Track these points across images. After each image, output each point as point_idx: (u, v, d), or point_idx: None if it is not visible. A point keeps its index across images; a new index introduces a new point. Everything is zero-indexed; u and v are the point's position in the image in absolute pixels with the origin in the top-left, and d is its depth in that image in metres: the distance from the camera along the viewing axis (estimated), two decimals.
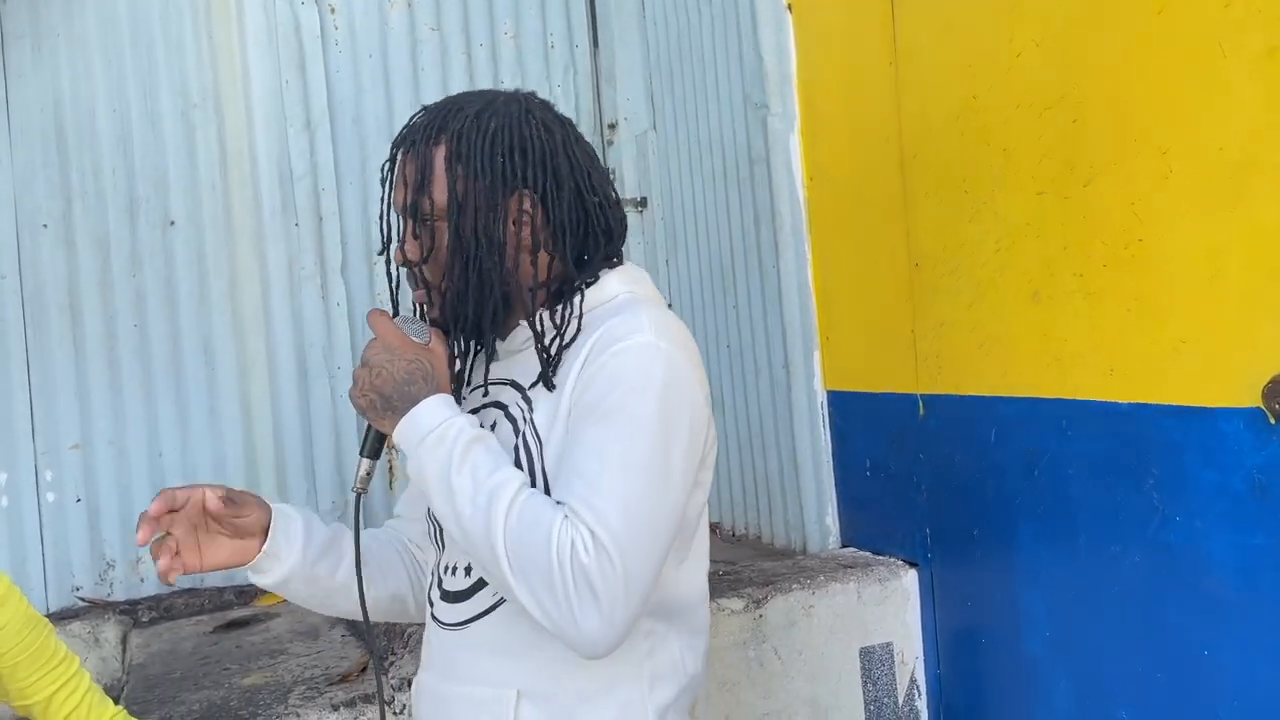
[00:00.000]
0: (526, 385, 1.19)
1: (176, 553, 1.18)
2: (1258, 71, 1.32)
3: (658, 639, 1.17)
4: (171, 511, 1.17)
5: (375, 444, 1.20)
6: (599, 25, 2.99)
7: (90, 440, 2.44)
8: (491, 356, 1.26)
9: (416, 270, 1.19)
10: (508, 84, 2.85)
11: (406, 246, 1.19)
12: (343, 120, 2.68)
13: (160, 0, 2.50)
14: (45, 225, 2.42)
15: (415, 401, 1.13)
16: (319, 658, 2.00)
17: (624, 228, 1.26)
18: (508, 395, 1.21)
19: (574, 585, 1.02)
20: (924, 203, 1.92)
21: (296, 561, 1.26)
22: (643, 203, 2.91)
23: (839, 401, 2.23)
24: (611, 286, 1.19)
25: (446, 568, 1.24)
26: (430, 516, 1.26)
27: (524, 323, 1.20)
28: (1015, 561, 1.76)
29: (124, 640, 2.36)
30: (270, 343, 2.56)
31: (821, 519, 2.27)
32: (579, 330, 1.16)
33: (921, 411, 1.97)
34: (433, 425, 1.11)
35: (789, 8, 2.26)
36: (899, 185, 1.97)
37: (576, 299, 1.17)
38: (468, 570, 1.19)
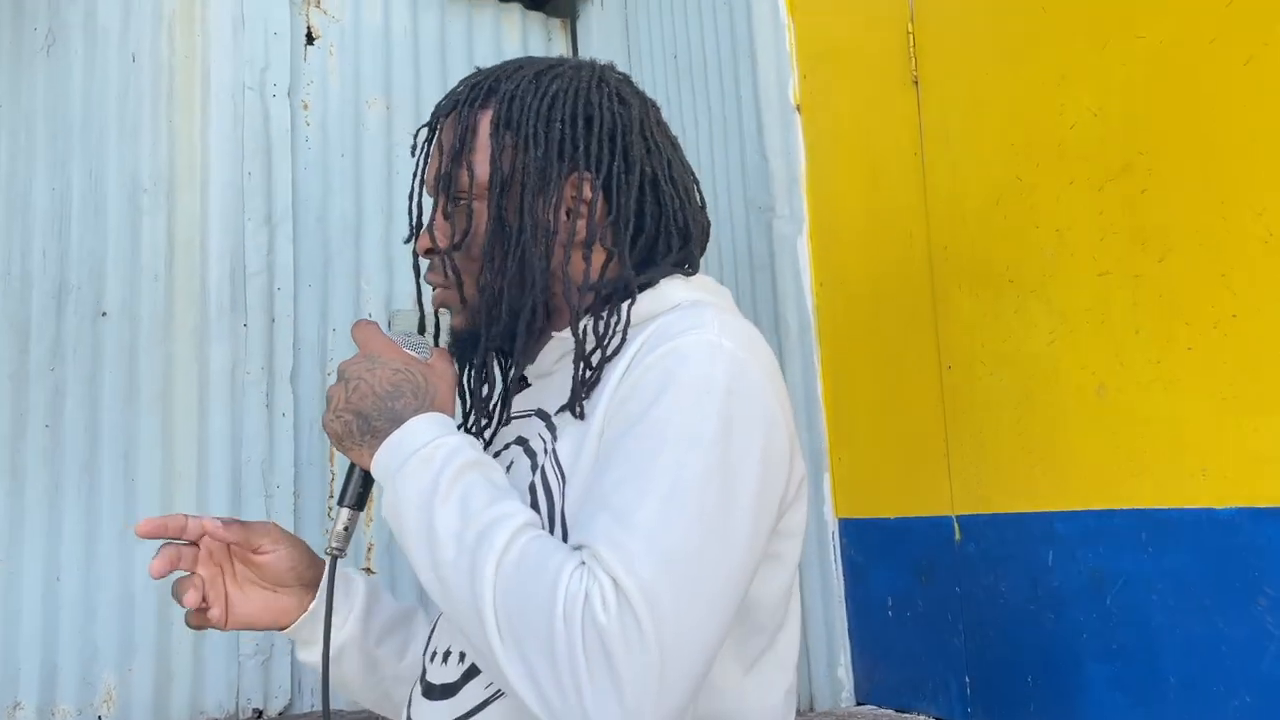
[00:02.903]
0: (553, 411, 0.92)
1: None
2: None
3: None
4: (189, 545, 0.95)
5: (358, 488, 0.91)
6: None
7: None
8: (516, 385, 0.99)
9: (444, 260, 0.94)
10: None
11: (435, 229, 0.94)
12: (306, 218, 2.47)
13: (119, 80, 2.31)
14: None
15: (400, 421, 0.86)
16: None
17: (705, 235, 1.00)
18: (531, 427, 0.94)
19: (584, 657, 0.71)
20: (957, 298, 1.72)
21: (355, 632, 1.00)
22: None
23: (853, 531, 1.96)
24: (674, 293, 0.92)
25: (433, 654, 0.94)
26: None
27: (557, 335, 0.94)
28: (1085, 713, 1.46)
29: None
30: (202, 454, 2.26)
31: (832, 670, 1.96)
32: (623, 342, 0.89)
33: (957, 536, 1.71)
34: (417, 445, 0.83)
35: (797, 108, 2.13)
36: (926, 282, 1.78)
37: (626, 305, 0.91)
38: (461, 656, 0.89)
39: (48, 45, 2.26)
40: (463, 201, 0.94)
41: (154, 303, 2.27)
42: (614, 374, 0.86)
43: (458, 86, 1.00)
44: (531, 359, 0.98)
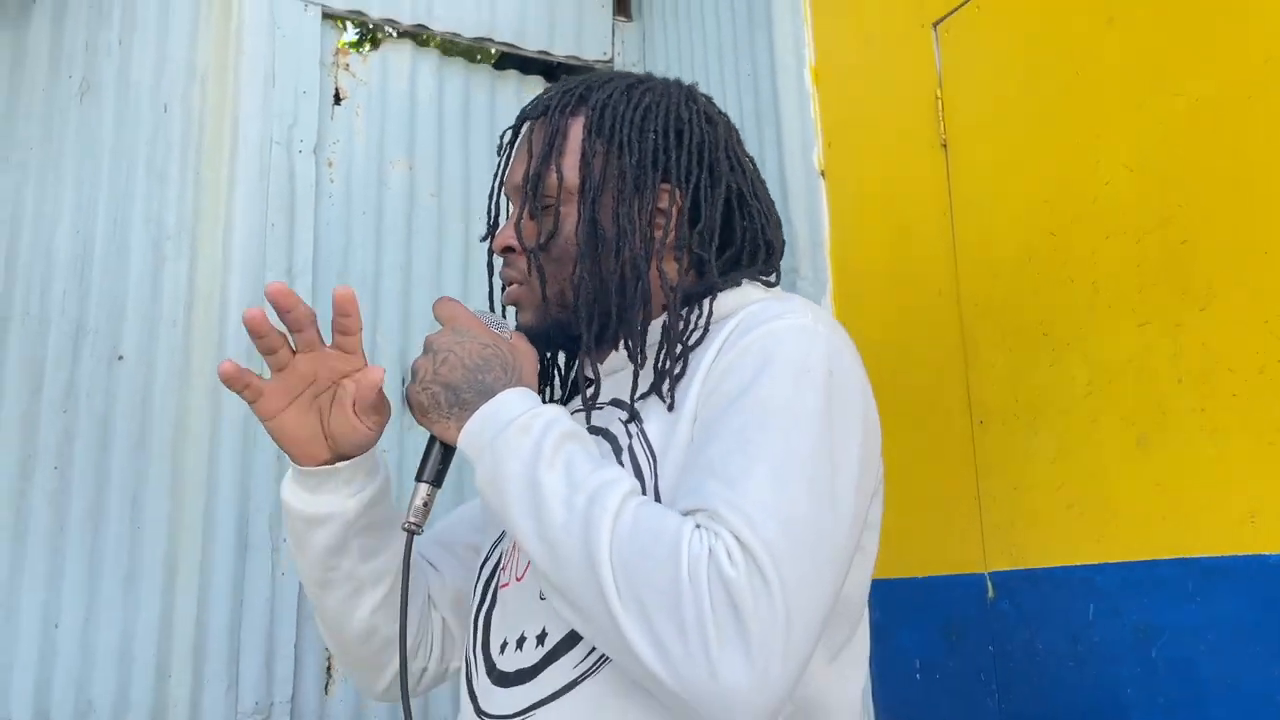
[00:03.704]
0: (632, 399, 0.93)
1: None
2: None
3: None
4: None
5: (439, 464, 0.91)
6: None
7: None
8: (582, 384, 1.00)
9: (531, 259, 0.95)
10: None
11: (523, 228, 0.96)
12: (326, 273, 2.48)
13: (150, 127, 2.34)
14: None
15: (491, 393, 0.86)
16: None
17: (782, 250, 1.04)
18: (607, 417, 0.94)
19: (712, 613, 0.70)
20: (989, 353, 1.73)
21: (351, 511, 0.99)
22: None
23: (877, 591, 1.92)
24: (751, 294, 0.96)
25: (502, 644, 0.91)
26: (478, 586, 0.95)
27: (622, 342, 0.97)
28: None
29: None
30: (210, 503, 2.21)
31: None
32: (705, 335, 0.91)
33: (990, 593, 1.69)
34: (513, 415, 0.83)
35: (822, 174, 2.17)
36: (956, 337, 1.79)
37: (708, 301, 0.93)
38: (539, 640, 0.87)
39: (81, 93, 2.29)
40: (550, 203, 0.96)
41: (171, 349, 2.25)
42: (702, 363, 0.88)
43: (546, 93, 1.03)
44: (602, 358, 1.00)
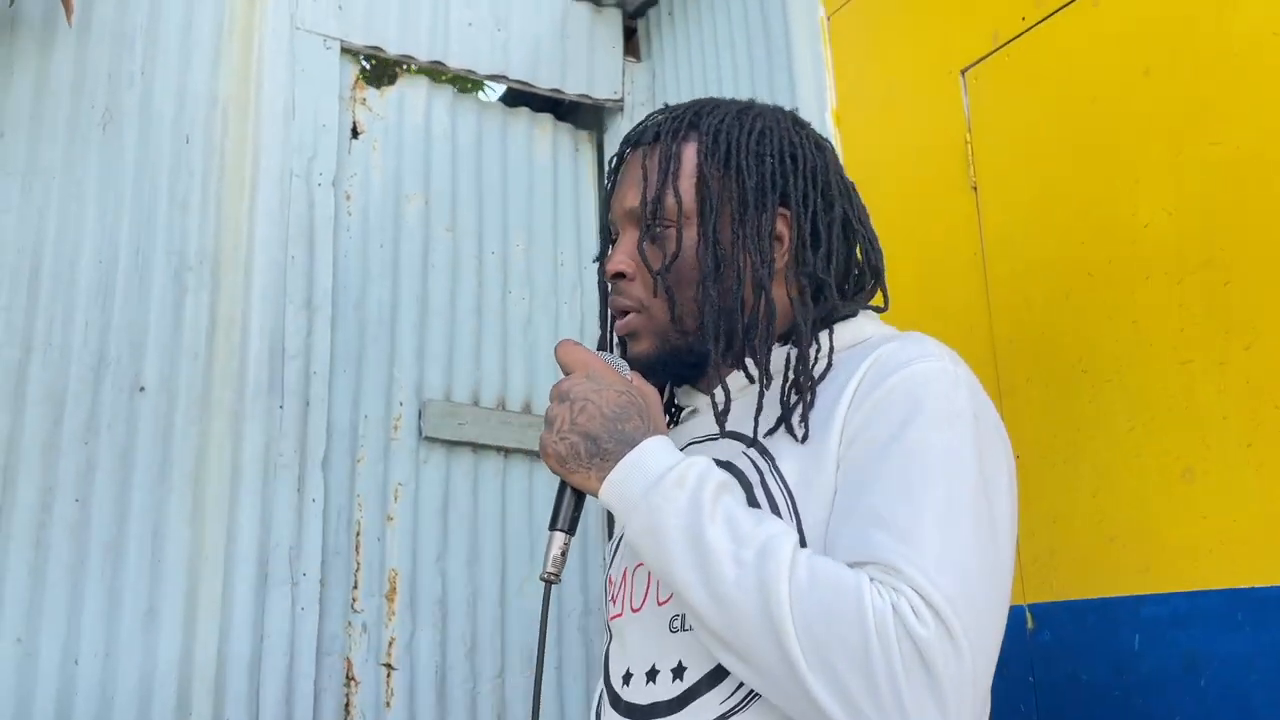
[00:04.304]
0: (755, 434, 0.93)
1: None
2: None
3: None
4: None
5: (570, 511, 0.91)
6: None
7: None
8: (686, 412, 1.01)
9: (658, 280, 0.96)
10: (515, 293, 2.72)
11: (645, 251, 0.97)
12: (344, 305, 2.48)
13: (171, 156, 2.33)
14: None
15: (632, 443, 0.87)
16: None
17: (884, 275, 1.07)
18: (725, 450, 0.95)
19: (902, 667, 0.73)
20: (1025, 390, 1.77)
21: None
22: None
23: None
24: (867, 327, 0.98)
25: (624, 675, 0.92)
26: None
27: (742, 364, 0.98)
28: None
29: None
30: (231, 536, 2.19)
31: None
32: (828, 368, 0.93)
33: (1030, 625, 1.72)
34: (665, 467, 0.84)
35: None
36: (991, 374, 1.83)
37: (825, 334, 0.95)
38: (677, 672, 0.87)
39: (104, 123, 2.28)
40: (670, 226, 0.97)
41: (192, 380, 2.24)
42: (836, 398, 0.89)
43: (650, 119, 1.05)
44: (709, 386, 1.00)
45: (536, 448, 2.63)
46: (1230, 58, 1.52)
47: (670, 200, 0.98)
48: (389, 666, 2.32)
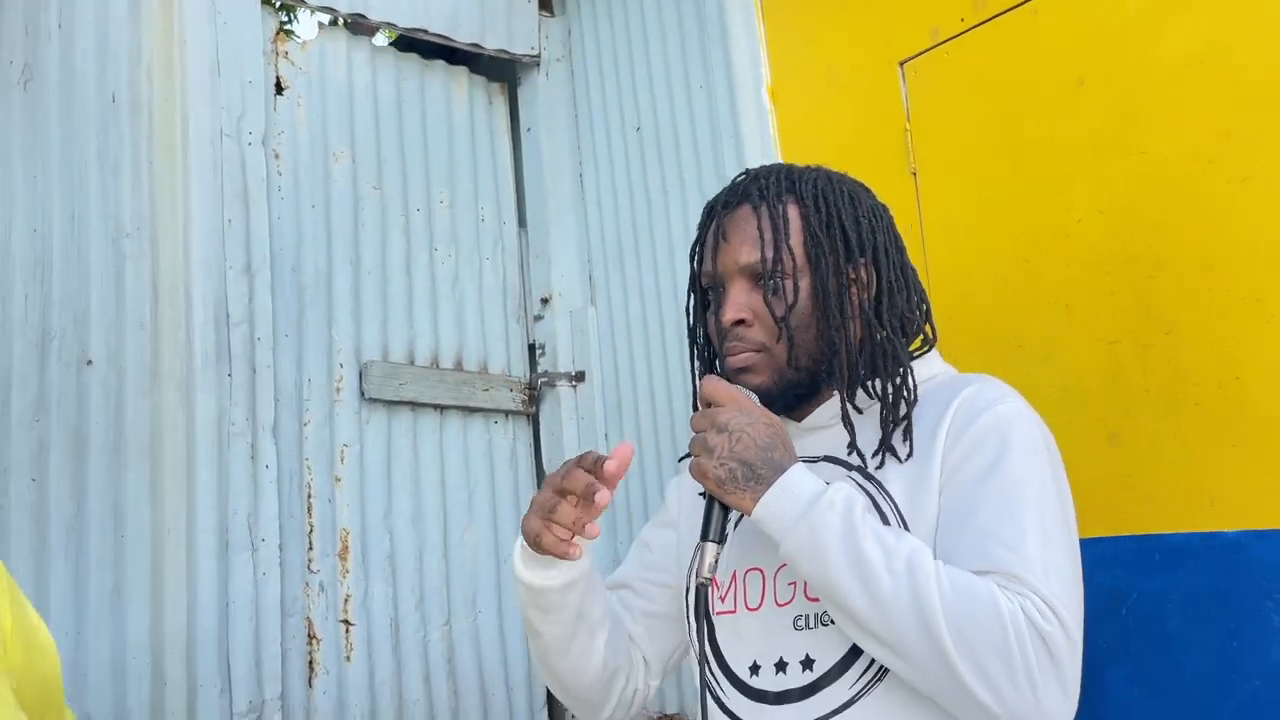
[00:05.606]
0: (858, 458, 1.11)
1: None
2: None
3: None
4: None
5: (720, 525, 1.06)
6: (529, 205, 2.99)
7: None
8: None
9: (783, 327, 1.10)
10: (441, 251, 2.76)
11: (769, 301, 1.11)
12: (282, 268, 2.46)
13: (98, 118, 2.23)
14: None
15: (780, 469, 1.02)
16: None
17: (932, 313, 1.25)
18: (824, 472, 1.12)
19: (1035, 658, 0.93)
20: (963, 362, 1.99)
21: (588, 566, 1.16)
22: (579, 376, 2.84)
23: None
24: (935, 363, 1.18)
25: (751, 666, 1.07)
26: (694, 611, 1.09)
27: (835, 393, 1.16)
28: (1107, 711, 1.75)
29: None
30: (191, 509, 2.19)
31: None
32: (915, 400, 1.11)
33: None
34: (816, 491, 1.00)
35: None
36: None
37: (904, 371, 1.14)
38: (806, 664, 1.04)
39: (24, 80, 2.16)
40: (785, 279, 1.12)
41: (139, 352, 2.19)
42: (933, 430, 1.07)
43: (740, 184, 1.18)
44: (802, 416, 1.17)
45: (471, 404, 2.72)
46: (1158, 77, 1.74)
47: (786, 256, 1.12)
48: (347, 623, 2.39)
